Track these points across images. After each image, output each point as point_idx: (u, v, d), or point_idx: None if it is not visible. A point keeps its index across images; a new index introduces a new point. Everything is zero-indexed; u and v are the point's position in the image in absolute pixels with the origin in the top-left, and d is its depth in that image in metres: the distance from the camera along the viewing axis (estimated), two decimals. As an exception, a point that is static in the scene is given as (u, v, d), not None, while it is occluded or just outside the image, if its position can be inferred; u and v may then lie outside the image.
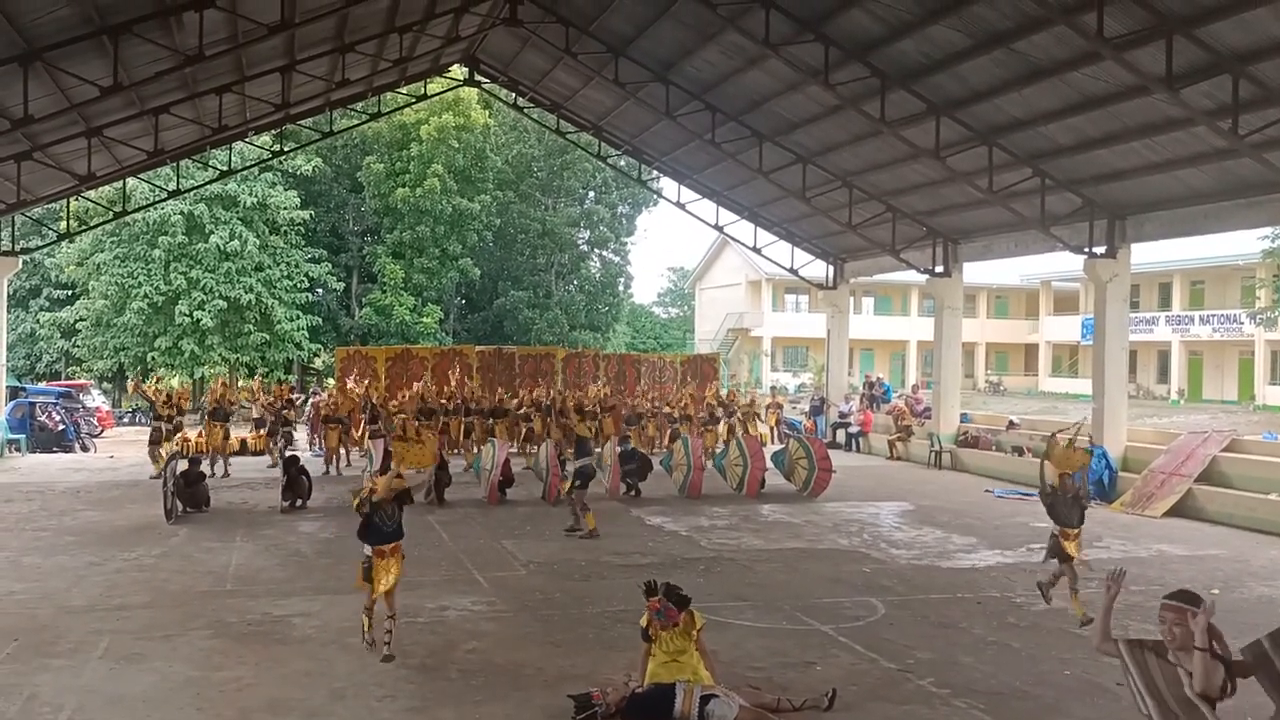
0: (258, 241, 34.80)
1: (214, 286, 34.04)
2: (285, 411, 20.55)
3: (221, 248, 33.90)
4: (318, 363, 41.77)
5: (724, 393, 25.53)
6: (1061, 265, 38.28)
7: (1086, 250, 17.95)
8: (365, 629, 8.00)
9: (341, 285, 40.44)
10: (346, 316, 41.24)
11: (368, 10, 16.19)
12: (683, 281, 66.84)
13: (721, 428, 22.53)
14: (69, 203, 24.05)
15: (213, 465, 19.03)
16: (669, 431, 22.71)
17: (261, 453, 21.53)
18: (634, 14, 18.11)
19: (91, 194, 25.38)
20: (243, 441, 21.97)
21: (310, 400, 25.59)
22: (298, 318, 36.43)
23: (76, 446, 25.94)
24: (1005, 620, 9.22)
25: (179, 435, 19.47)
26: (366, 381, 21.95)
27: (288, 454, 16.78)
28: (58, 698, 6.82)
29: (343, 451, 20.19)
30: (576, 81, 22.62)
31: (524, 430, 21.68)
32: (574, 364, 25.67)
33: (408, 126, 39.19)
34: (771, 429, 25.84)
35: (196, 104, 17.92)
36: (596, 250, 47.44)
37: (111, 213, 26.25)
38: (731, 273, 51.38)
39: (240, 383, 34.23)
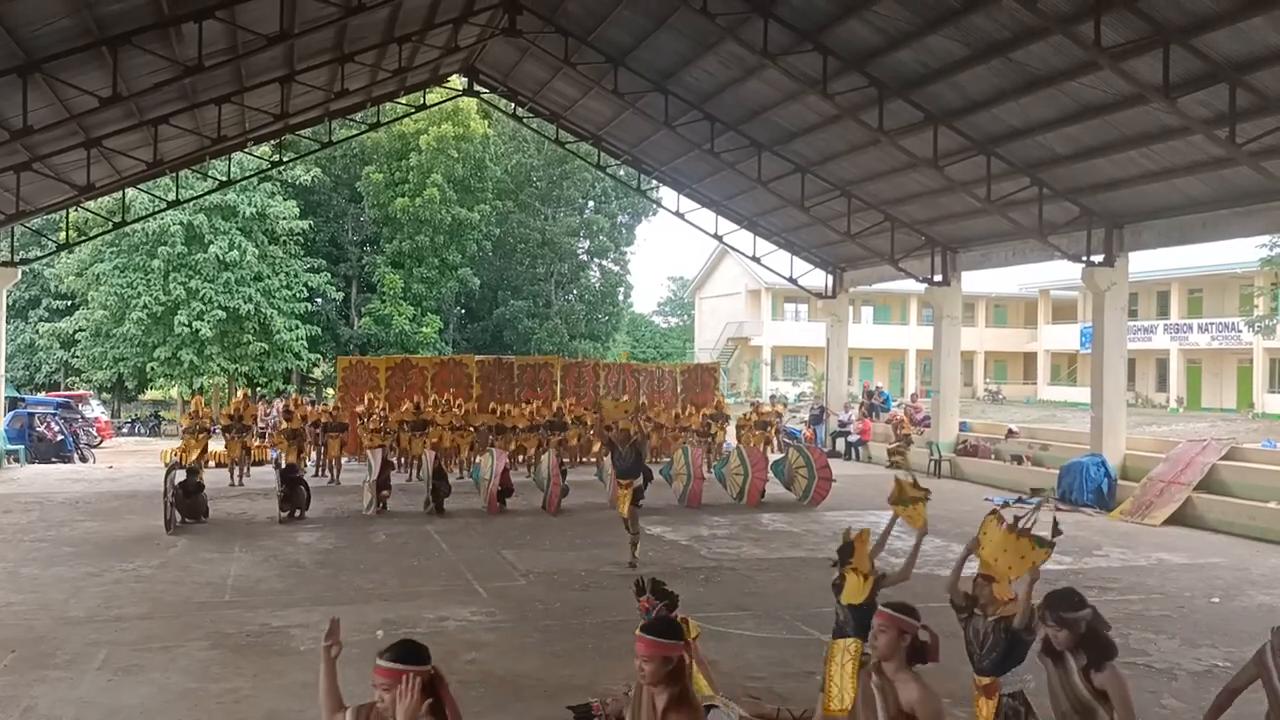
0: (257, 251, 34.80)
1: (213, 296, 34.03)
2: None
3: (220, 258, 33.89)
4: (317, 373, 41.73)
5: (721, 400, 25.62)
6: (1060, 274, 38.36)
7: (1084, 259, 18.00)
8: None
9: (341, 295, 40.44)
10: (346, 326, 41.20)
11: (367, 21, 16.22)
12: (682, 291, 66.87)
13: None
14: (68, 213, 24.05)
15: (232, 476, 19.07)
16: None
17: (261, 462, 21.47)
18: (633, 24, 18.17)
19: (91, 204, 25.46)
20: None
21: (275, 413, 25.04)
22: (297, 328, 36.40)
23: (75, 457, 25.91)
24: (1005, 629, 9.19)
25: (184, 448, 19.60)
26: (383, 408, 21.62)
27: (285, 464, 16.76)
28: (55, 709, 6.80)
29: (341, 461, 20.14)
30: (575, 91, 22.67)
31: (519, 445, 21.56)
32: (573, 374, 25.62)
33: (407, 136, 39.22)
34: (771, 438, 25.80)
35: (196, 114, 17.95)
36: (596, 260, 47.45)
37: (111, 223, 26.28)
38: (731, 282, 51.42)
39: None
